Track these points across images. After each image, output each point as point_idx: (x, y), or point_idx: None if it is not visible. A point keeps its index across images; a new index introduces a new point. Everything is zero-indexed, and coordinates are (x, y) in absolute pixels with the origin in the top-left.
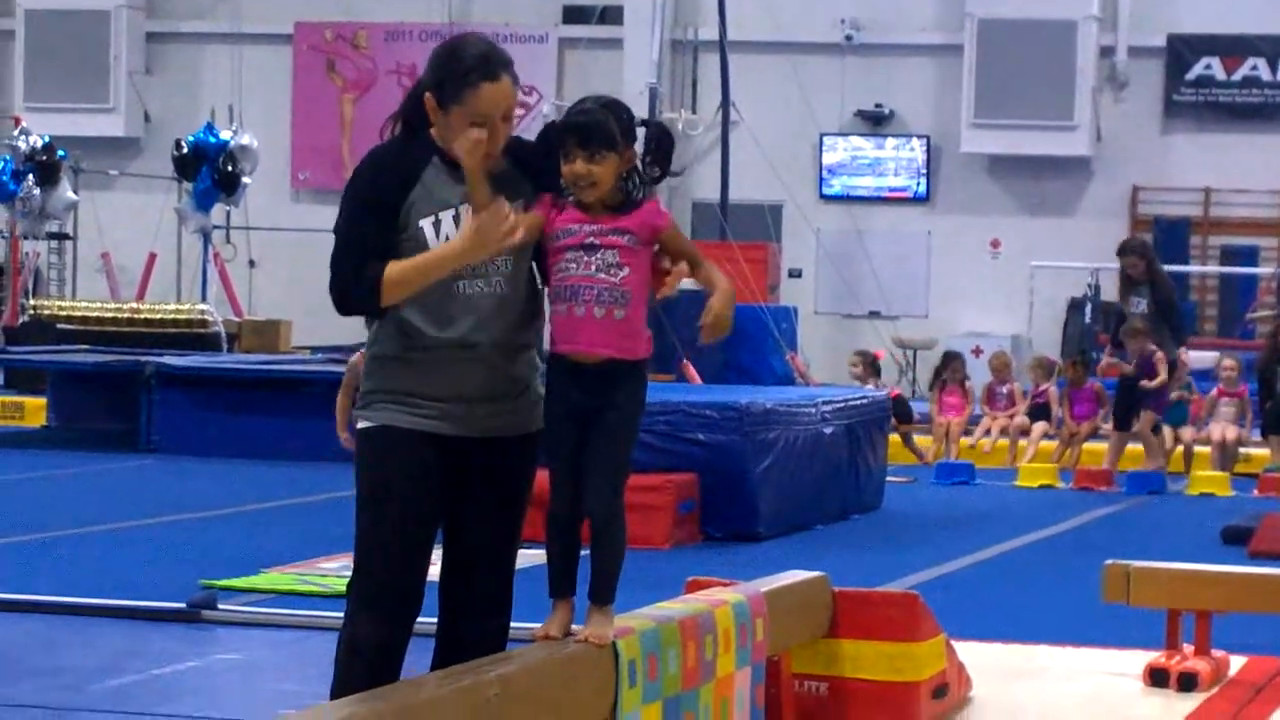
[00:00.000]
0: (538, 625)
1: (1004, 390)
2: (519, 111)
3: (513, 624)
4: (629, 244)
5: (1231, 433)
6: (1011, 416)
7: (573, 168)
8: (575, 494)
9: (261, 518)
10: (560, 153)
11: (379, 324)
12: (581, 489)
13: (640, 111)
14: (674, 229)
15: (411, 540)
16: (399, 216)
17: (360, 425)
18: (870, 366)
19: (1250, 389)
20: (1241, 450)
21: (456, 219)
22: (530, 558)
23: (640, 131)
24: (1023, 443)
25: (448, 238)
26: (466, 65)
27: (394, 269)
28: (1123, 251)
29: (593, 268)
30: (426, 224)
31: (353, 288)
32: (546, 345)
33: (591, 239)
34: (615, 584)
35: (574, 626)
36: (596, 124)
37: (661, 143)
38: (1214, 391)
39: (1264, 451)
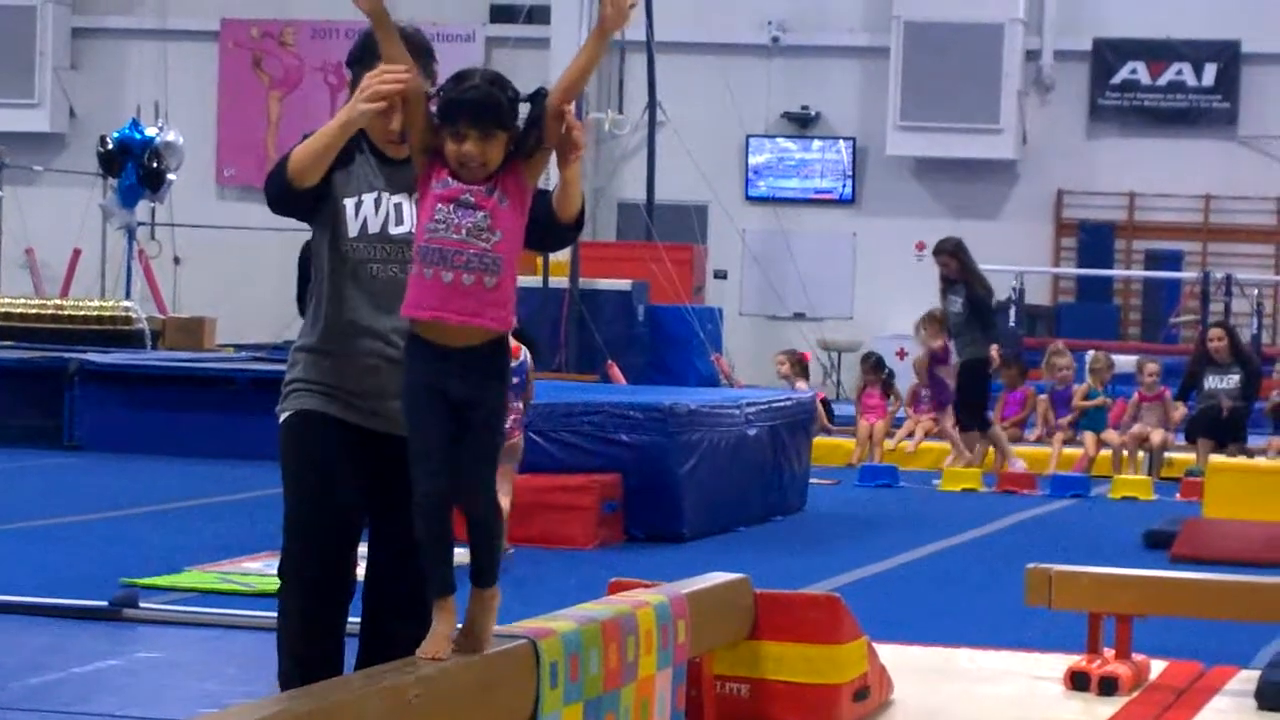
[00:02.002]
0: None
1: (927, 393)
2: None
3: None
4: (501, 204)
5: (1157, 436)
6: (935, 419)
7: (463, 148)
8: (444, 479)
9: (184, 516)
10: (447, 130)
11: (308, 315)
12: (454, 477)
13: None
14: (535, 165)
15: (332, 519)
16: (326, 182)
17: (281, 418)
18: (797, 366)
19: (1172, 392)
20: (1166, 455)
21: (377, 202)
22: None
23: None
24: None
25: (365, 220)
26: (365, 46)
27: (299, 146)
28: (937, 251)
29: (463, 231)
30: (349, 203)
31: (272, 175)
32: (404, 313)
33: (468, 194)
34: (497, 567)
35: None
36: (491, 102)
37: (538, 113)
38: (1135, 395)
39: (1187, 456)
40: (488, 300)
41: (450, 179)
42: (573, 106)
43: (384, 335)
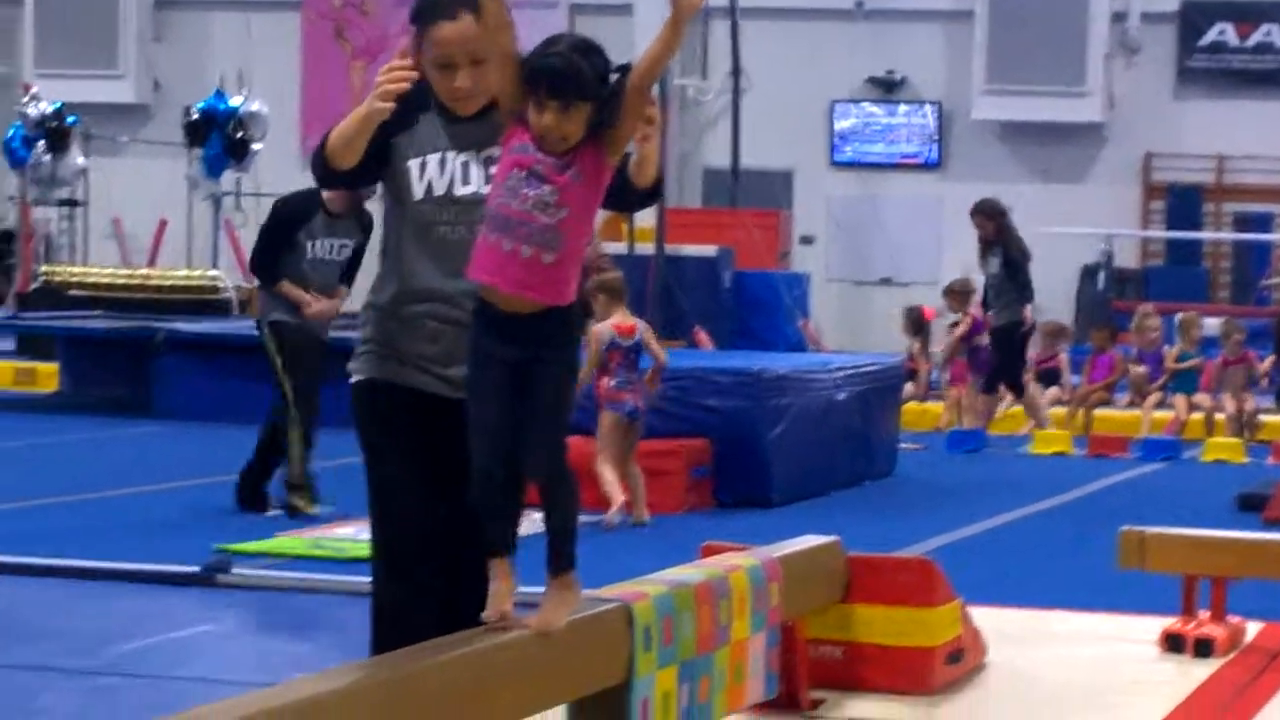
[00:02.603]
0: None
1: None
2: None
3: (521, 588)
4: (574, 181)
5: (1249, 402)
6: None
7: (542, 120)
8: (510, 448)
9: (273, 483)
10: (531, 98)
11: (380, 272)
12: (518, 445)
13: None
14: (616, 141)
15: (410, 498)
16: (387, 144)
17: (351, 379)
18: (914, 323)
19: (1260, 354)
20: (1261, 418)
21: (442, 162)
22: (540, 522)
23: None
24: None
25: (430, 182)
26: (425, 3)
27: (335, 128)
28: (974, 212)
29: (529, 202)
30: (414, 165)
31: (314, 156)
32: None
33: (539, 165)
34: (574, 547)
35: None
36: (572, 71)
37: (620, 86)
38: (1219, 359)
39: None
40: (543, 275)
41: (530, 144)
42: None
43: (451, 299)
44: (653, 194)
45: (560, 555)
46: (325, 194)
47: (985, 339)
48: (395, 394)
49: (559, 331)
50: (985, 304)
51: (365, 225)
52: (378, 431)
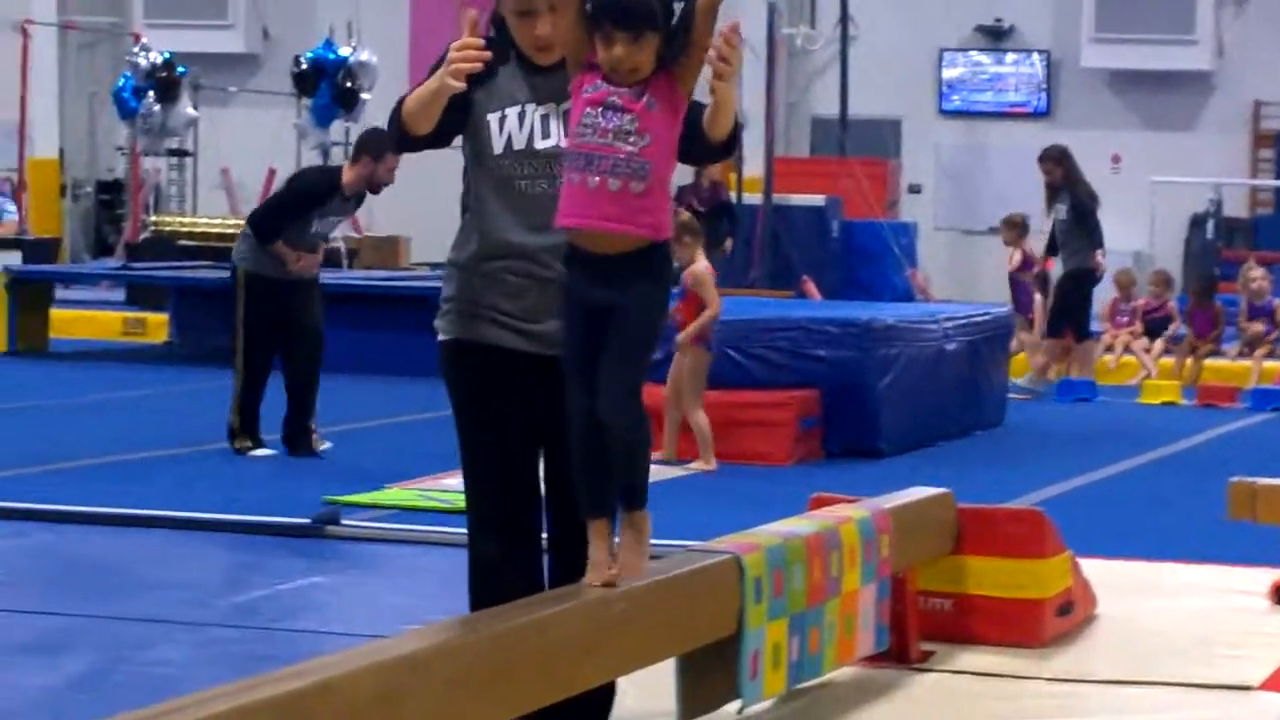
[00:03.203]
0: (667, 541)
1: (1128, 307)
2: None
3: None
4: (651, 108)
5: None
6: (1133, 334)
7: (612, 53)
8: (592, 396)
9: (383, 433)
10: (597, 33)
11: (462, 228)
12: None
13: (759, 29)
14: (689, 68)
15: (497, 456)
16: (467, 99)
17: (438, 338)
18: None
19: None
20: None
21: (521, 116)
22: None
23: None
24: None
25: (510, 136)
26: None
27: (410, 95)
28: (1042, 158)
29: (609, 135)
30: (493, 119)
31: (390, 121)
32: (556, 222)
33: (614, 97)
34: (645, 490)
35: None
36: (638, 2)
37: (687, 13)
38: None
39: None
40: (635, 206)
41: (600, 81)
42: (733, 22)
43: (532, 254)
44: (727, 147)
45: (636, 494)
46: (345, 176)
47: (1029, 276)
48: (478, 352)
49: (651, 269)
50: (1052, 249)
51: (359, 198)
52: (463, 390)
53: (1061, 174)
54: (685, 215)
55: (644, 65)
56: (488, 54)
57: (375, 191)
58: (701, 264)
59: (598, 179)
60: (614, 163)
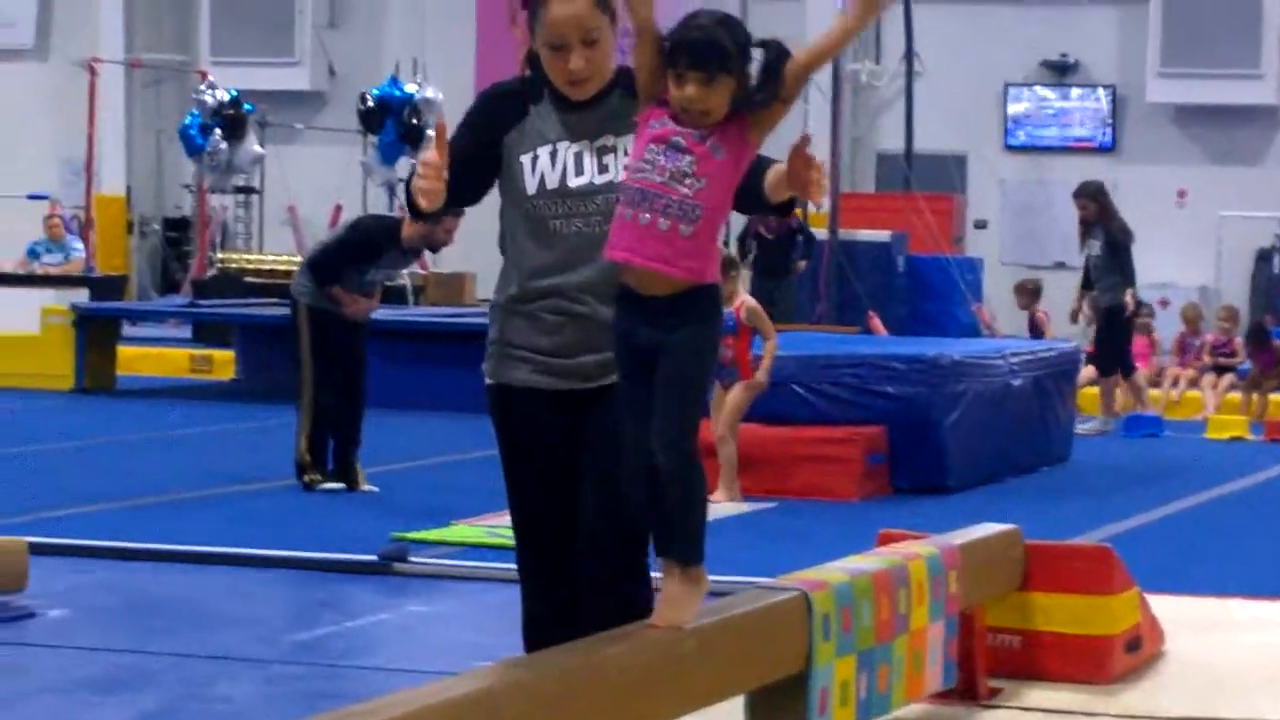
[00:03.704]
0: (734, 578)
1: (1196, 342)
2: None
3: (713, 576)
4: (714, 153)
5: None
6: (1200, 368)
7: (685, 92)
8: (644, 439)
9: (450, 470)
10: (671, 72)
11: (503, 270)
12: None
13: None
14: (766, 120)
15: (538, 494)
16: (499, 146)
17: (485, 381)
18: (1028, 295)
19: None
20: None
21: (553, 155)
22: (717, 510)
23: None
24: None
25: (543, 176)
26: None
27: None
28: (1077, 194)
29: (666, 174)
30: (525, 159)
31: (405, 195)
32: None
33: (678, 136)
34: (698, 540)
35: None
36: (714, 43)
37: (774, 63)
38: None
39: None
40: (679, 248)
41: (668, 119)
42: (805, 135)
43: (568, 293)
44: (782, 209)
45: (688, 548)
46: (404, 231)
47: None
48: (512, 396)
49: (698, 311)
50: (1087, 284)
51: (417, 252)
52: (502, 433)
53: (1096, 210)
54: (724, 251)
55: (716, 109)
56: (443, 179)
57: (434, 250)
58: (748, 298)
59: (649, 216)
60: (667, 203)
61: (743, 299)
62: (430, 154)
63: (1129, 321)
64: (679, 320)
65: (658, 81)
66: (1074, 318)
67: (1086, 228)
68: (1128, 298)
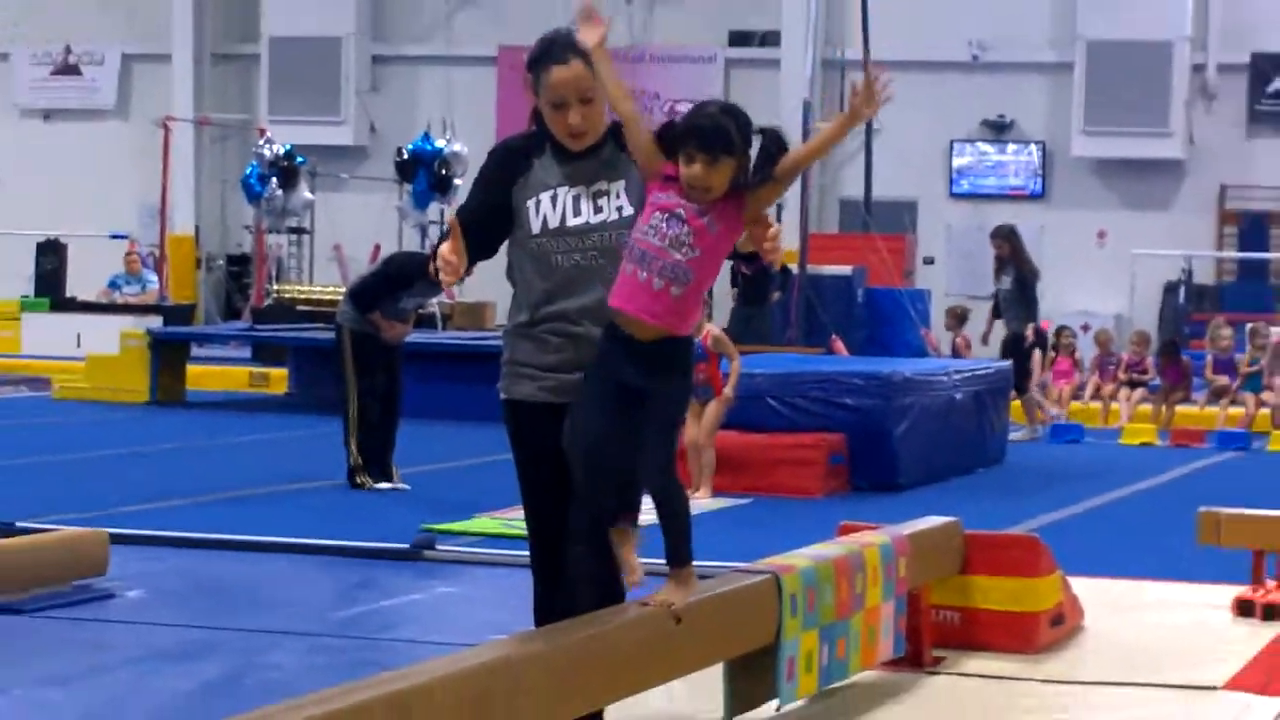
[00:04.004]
0: (714, 563)
1: (1111, 362)
2: None
3: (697, 562)
4: (710, 228)
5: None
6: (1116, 384)
7: (691, 171)
8: (613, 451)
9: (473, 471)
10: (680, 151)
11: (513, 301)
12: (636, 459)
13: (795, 123)
14: (760, 199)
15: (544, 496)
16: (508, 200)
17: (500, 396)
18: (955, 318)
19: None
20: None
21: (554, 199)
22: (700, 505)
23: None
24: (1116, 405)
25: (545, 217)
26: (541, 50)
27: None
28: (993, 235)
29: (667, 240)
30: (530, 205)
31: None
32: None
33: (680, 209)
34: (689, 547)
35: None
36: (719, 129)
37: (771, 149)
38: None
39: None
40: (669, 306)
41: (674, 192)
42: (776, 229)
43: (568, 316)
44: (749, 257)
45: (678, 554)
46: (432, 265)
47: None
48: (522, 410)
49: (675, 358)
50: (997, 314)
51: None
52: (514, 441)
53: (1009, 250)
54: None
55: (717, 186)
56: (460, 269)
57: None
58: (713, 328)
59: (646, 275)
60: (663, 265)
61: (708, 329)
62: (447, 250)
63: (1030, 349)
64: (660, 368)
65: (654, 160)
66: (984, 340)
67: (1000, 264)
68: (1029, 331)
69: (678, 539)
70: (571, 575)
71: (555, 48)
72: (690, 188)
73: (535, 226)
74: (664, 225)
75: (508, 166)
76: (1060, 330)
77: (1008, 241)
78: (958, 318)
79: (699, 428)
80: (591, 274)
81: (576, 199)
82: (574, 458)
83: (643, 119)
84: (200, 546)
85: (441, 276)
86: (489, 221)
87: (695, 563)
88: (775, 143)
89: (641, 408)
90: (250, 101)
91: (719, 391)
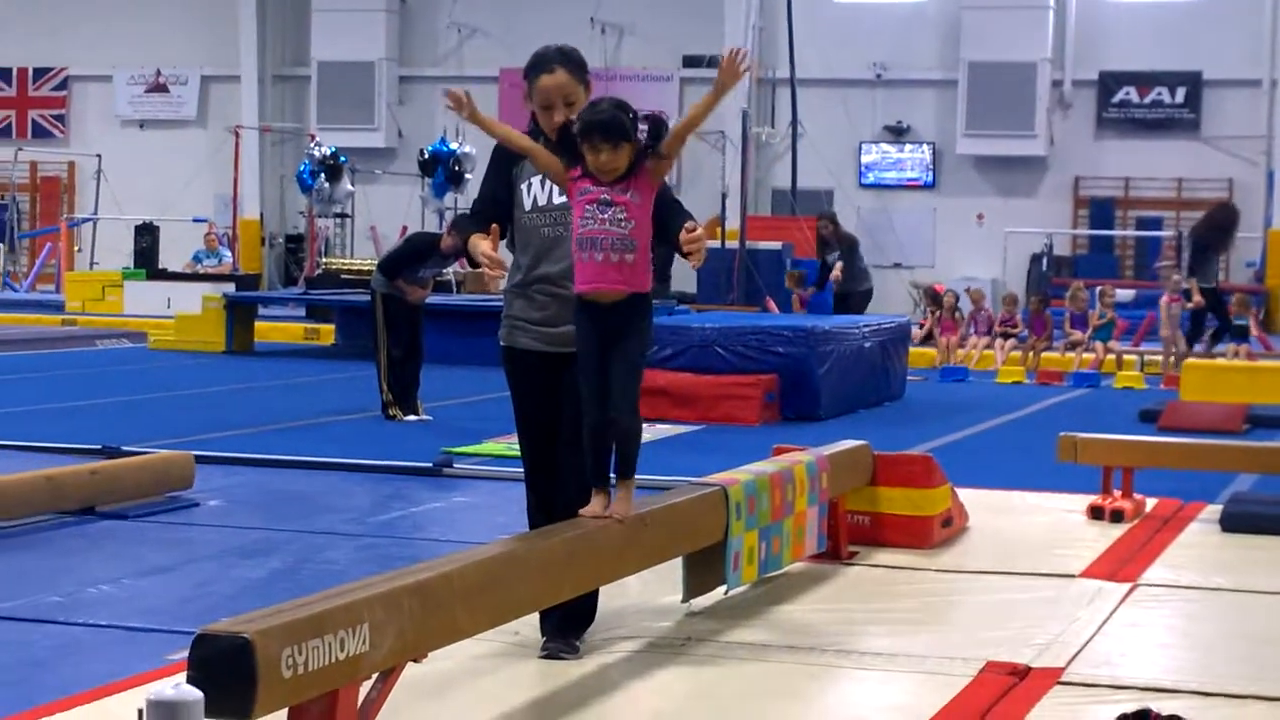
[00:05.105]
0: (674, 477)
1: (981, 314)
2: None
3: (651, 475)
4: (633, 200)
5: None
6: (991, 335)
7: (598, 159)
8: (603, 407)
9: (482, 405)
10: (586, 145)
11: (511, 266)
12: (606, 402)
13: (736, 127)
14: (659, 169)
15: (533, 429)
16: (510, 186)
17: (500, 343)
18: (930, 298)
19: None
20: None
21: (543, 182)
22: (662, 431)
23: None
24: (990, 352)
25: (535, 197)
26: (532, 63)
27: (469, 238)
28: (819, 217)
29: (607, 222)
30: (524, 186)
31: (458, 236)
32: (575, 289)
33: (605, 195)
34: (635, 465)
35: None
36: (616, 121)
37: (657, 127)
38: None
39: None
40: (628, 271)
41: (590, 186)
42: (698, 228)
43: (554, 279)
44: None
45: (626, 467)
46: (443, 242)
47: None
48: (517, 355)
49: (639, 310)
50: (826, 277)
51: (455, 256)
52: (510, 382)
53: (832, 230)
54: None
55: (620, 165)
56: (499, 259)
57: (462, 255)
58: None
59: (601, 255)
60: (612, 241)
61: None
62: (486, 247)
63: (861, 301)
64: (628, 319)
65: (562, 174)
66: (825, 285)
67: (823, 242)
68: (838, 276)
69: (631, 458)
70: (566, 472)
71: (543, 60)
72: (600, 172)
73: (528, 205)
74: (598, 212)
75: (507, 160)
76: (947, 294)
77: (832, 222)
78: (797, 280)
79: None
80: (566, 241)
81: None
82: (581, 385)
83: (537, 147)
84: (267, 465)
85: (488, 273)
86: (497, 204)
87: (656, 477)
88: (659, 125)
89: (616, 347)
90: (302, 112)
91: None
